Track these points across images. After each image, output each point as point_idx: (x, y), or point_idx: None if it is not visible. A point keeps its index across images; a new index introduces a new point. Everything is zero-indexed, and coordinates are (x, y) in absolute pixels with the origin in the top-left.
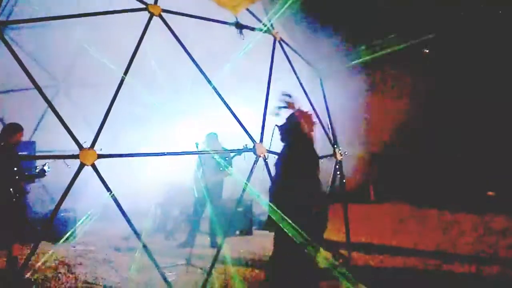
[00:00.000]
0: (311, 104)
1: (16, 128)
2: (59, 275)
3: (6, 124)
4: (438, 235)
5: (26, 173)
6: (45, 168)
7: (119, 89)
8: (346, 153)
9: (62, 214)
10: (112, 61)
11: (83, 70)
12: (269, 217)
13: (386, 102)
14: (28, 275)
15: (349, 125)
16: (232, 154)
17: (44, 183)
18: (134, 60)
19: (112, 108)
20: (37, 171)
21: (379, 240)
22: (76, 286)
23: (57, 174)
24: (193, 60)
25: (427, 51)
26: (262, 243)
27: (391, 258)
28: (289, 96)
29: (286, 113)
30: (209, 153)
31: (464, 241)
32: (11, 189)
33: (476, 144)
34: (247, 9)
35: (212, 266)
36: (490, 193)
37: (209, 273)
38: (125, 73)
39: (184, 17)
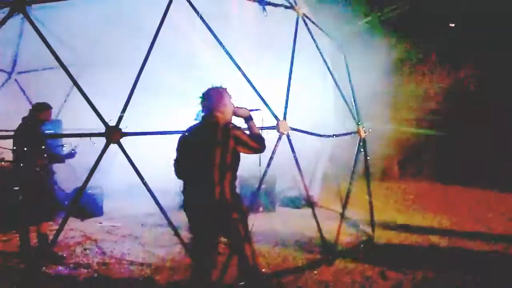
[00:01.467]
0: (335, 81)
1: (44, 107)
2: (87, 250)
3: (35, 103)
4: (463, 213)
5: (55, 153)
6: (75, 150)
7: (143, 67)
8: (370, 130)
9: (89, 191)
10: (136, 39)
11: (108, 49)
12: None
13: (411, 79)
14: (57, 250)
15: (373, 102)
16: None
17: (70, 162)
18: (158, 38)
19: (138, 86)
20: (68, 151)
21: (403, 218)
22: (104, 261)
23: (83, 152)
24: (214, 35)
25: (453, 25)
26: (284, 219)
27: (415, 235)
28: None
29: None
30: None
31: (490, 219)
32: (37, 168)
33: (502, 123)
34: None
35: None
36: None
37: (231, 249)
38: (149, 52)
39: None
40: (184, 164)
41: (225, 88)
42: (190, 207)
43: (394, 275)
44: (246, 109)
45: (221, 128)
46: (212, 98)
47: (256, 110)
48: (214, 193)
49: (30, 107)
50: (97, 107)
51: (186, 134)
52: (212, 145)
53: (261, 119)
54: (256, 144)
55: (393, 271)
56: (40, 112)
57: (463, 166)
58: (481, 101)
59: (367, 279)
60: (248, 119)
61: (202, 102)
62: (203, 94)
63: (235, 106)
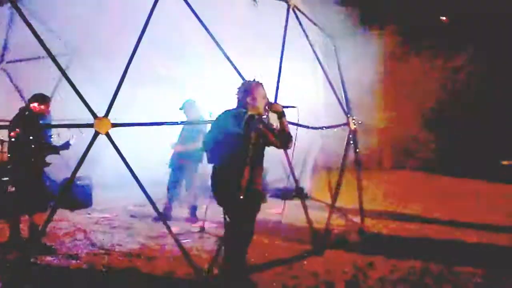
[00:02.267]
0: (325, 72)
1: (43, 98)
2: (76, 241)
3: (34, 94)
4: (452, 203)
5: (51, 145)
6: (71, 141)
7: (133, 57)
8: (360, 122)
9: (78, 182)
10: (127, 28)
11: (97, 39)
12: None
13: (403, 70)
14: (46, 241)
15: (364, 94)
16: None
17: (61, 152)
18: (150, 28)
19: (127, 77)
20: (64, 142)
21: (392, 208)
22: (93, 252)
23: (74, 143)
24: (204, 26)
25: (445, 18)
26: (274, 210)
27: (404, 225)
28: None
29: None
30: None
31: (479, 209)
32: (33, 160)
33: (492, 114)
34: None
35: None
36: (505, 162)
37: (222, 240)
38: (138, 41)
39: None
40: (210, 147)
41: (258, 83)
42: (212, 191)
43: (384, 265)
44: (280, 105)
45: (246, 119)
46: (243, 91)
47: (291, 107)
48: (227, 179)
49: (22, 97)
50: (86, 97)
51: (216, 119)
52: (233, 134)
53: (296, 116)
54: (278, 140)
55: (383, 261)
56: (41, 104)
57: (454, 157)
58: (472, 93)
59: (357, 269)
60: (281, 115)
61: (236, 94)
62: (238, 87)
63: (268, 101)
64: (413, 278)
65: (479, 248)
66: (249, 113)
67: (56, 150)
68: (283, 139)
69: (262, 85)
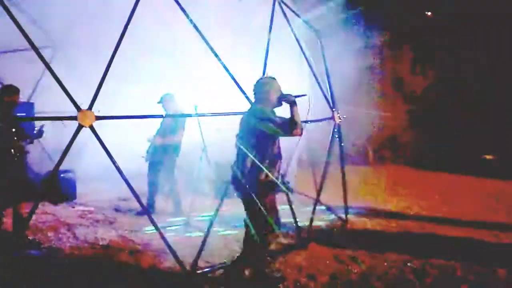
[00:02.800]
0: (310, 66)
1: (10, 90)
2: (60, 235)
3: (3, 85)
4: (435, 198)
5: (24, 132)
6: (43, 128)
7: (117, 49)
8: (345, 116)
9: (62, 175)
10: (113, 21)
11: (81, 32)
12: None
13: (388, 64)
14: (29, 235)
15: (349, 87)
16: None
17: (44, 145)
18: (136, 22)
19: (111, 70)
20: (37, 131)
21: (376, 203)
22: (77, 246)
23: (56, 136)
24: (190, 20)
25: (430, 13)
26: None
27: (388, 220)
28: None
29: None
30: (211, 115)
31: (461, 203)
32: (12, 150)
33: (476, 109)
34: None
35: (210, 227)
36: (488, 156)
37: (207, 234)
38: (122, 34)
39: None
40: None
41: (270, 79)
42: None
43: (367, 259)
44: (291, 95)
45: (253, 112)
46: (256, 88)
47: (302, 96)
48: (237, 170)
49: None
50: (70, 89)
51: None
52: (246, 127)
53: (308, 104)
54: (284, 128)
55: (366, 255)
56: (7, 96)
57: (438, 151)
58: (457, 87)
59: (341, 263)
60: (292, 104)
61: (252, 91)
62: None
63: (281, 93)
64: (396, 272)
65: (461, 242)
66: (262, 107)
67: (30, 137)
68: (289, 126)
69: (276, 80)
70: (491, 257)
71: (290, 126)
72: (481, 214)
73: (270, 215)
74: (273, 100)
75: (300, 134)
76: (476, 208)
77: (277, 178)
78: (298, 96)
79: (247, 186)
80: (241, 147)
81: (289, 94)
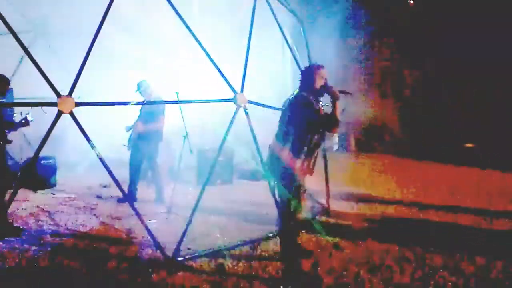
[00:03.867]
0: (293, 54)
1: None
2: (40, 222)
3: None
4: (416, 185)
5: (8, 121)
6: (28, 117)
7: (96, 36)
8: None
9: (42, 162)
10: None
11: (62, 17)
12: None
13: (372, 53)
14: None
15: (332, 76)
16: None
17: (25, 132)
18: (113, 6)
19: (92, 56)
20: (22, 120)
21: (359, 191)
22: (57, 233)
23: (37, 122)
24: (172, 6)
25: (412, 1)
26: (241, 191)
27: (369, 207)
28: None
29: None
30: (193, 102)
31: (440, 190)
32: None
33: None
34: None
35: (192, 214)
36: (468, 145)
37: (189, 222)
38: (103, 19)
39: None
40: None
41: (319, 66)
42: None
43: (348, 246)
44: (337, 90)
45: (298, 98)
46: (302, 74)
47: (348, 93)
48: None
49: None
50: (50, 75)
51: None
52: (289, 112)
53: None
54: (324, 122)
55: (348, 242)
56: None
57: (420, 140)
58: (440, 78)
59: (323, 249)
60: (335, 99)
61: (298, 78)
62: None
63: (326, 83)
64: (377, 258)
65: (441, 229)
66: (305, 95)
67: (14, 126)
68: (330, 122)
69: (323, 68)
70: (471, 244)
71: (331, 123)
72: (462, 201)
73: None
74: (317, 88)
75: (336, 132)
76: (457, 196)
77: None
78: (344, 92)
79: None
80: (282, 130)
81: (333, 87)
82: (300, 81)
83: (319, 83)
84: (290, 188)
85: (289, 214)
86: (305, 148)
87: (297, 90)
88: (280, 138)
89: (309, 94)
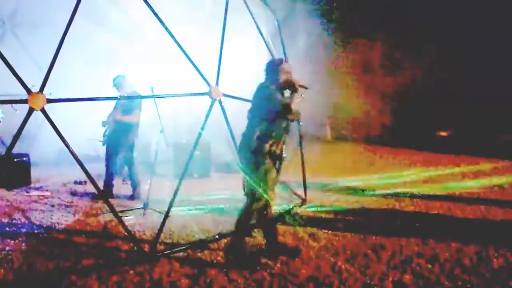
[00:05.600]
0: (268, 47)
1: None
2: (14, 221)
3: None
4: (391, 175)
5: None
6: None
7: (67, 30)
8: (302, 95)
9: (15, 160)
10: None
11: (31, 10)
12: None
13: (349, 44)
14: None
15: (308, 67)
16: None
17: None
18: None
19: (63, 50)
20: None
21: (334, 180)
22: (32, 231)
23: (8, 119)
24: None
25: None
26: (219, 185)
27: (346, 197)
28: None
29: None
30: (168, 96)
31: (416, 178)
32: None
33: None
34: None
35: (169, 208)
36: (442, 133)
37: (166, 216)
38: (73, 13)
39: None
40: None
41: (280, 60)
42: None
43: (325, 236)
44: (295, 83)
45: (261, 89)
46: (266, 67)
47: (305, 87)
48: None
49: None
50: (20, 71)
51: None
52: (254, 103)
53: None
54: (281, 111)
55: (325, 232)
56: None
57: (396, 129)
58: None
59: (299, 240)
60: (293, 91)
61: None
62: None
63: (289, 79)
64: (353, 247)
65: (417, 217)
66: (269, 86)
67: None
68: (286, 111)
69: (286, 62)
70: (446, 230)
71: (284, 109)
72: (437, 189)
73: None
74: (280, 81)
75: (293, 121)
76: (432, 183)
77: (281, 151)
78: (302, 86)
79: (254, 155)
80: (251, 120)
81: (292, 81)
82: (265, 74)
83: (283, 77)
84: (259, 177)
85: (255, 206)
86: (273, 135)
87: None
88: (249, 128)
89: (272, 86)
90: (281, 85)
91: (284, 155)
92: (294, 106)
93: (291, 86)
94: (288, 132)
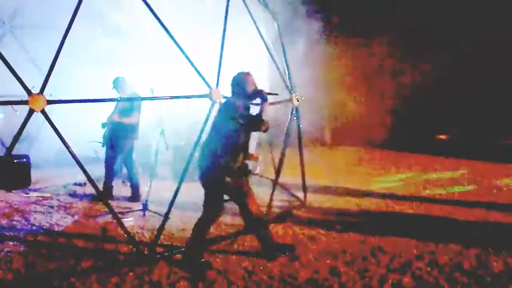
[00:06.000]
0: (268, 49)
1: None
2: (14, 222)
3: None
4: (391, 178)
5: None
6: None
7: (68, 32)
8: (303, 98)
9: (15, 161)
10: (62, 1)
11: (32, 11)
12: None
13: (343, 47)
14: None
15: (306, 70)
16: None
17: None
18: (86, 1)
19: (64, 51)
20: None
21: (335, 183)
22: (31, 233)
23: (9, 120)
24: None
25: None
26: None
27: (345, 199)
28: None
29: None
30: (168, 98)
31: (415, 182)
32: None
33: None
34: None
35: (169, 210)
36: (441, 136)
37: (165, 218)
38: (74, 14)
39: None
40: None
41: (245, 73)
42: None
43: (324, 238)
44: (265, 93)
45: (228, 105)
46: (232, 82)
47: (274, 94)
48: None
49: None
50: (21, 72)
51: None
52: (219, 117)
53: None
54: (252, 124)
55: (324, 234)
56: None
57: (395, 133)
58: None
59: (299, 242)
60: (263, 100)
61: (230, 85)
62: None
63: (256, 88)
64: (353, 250)
65: (416, 220)
66: (235, 102)
67: None
68: (256, 122)
69: (250, 74)
70: (446, 233)
71: (257, 123)
72: (437, 192)
73: (245, 197)
74: (248, 94)
75: (265, 131)
76: (431, 186)
77: (242, 165)
78: (270, 93)
79: (215, 170)
80: (214, 134)
81: (262, 90)
82: (232, 87)
83: (248, 88)
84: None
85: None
86: (237, 149)
87: (228, 98)
88: (213, 144)
89: (240, 99)
90: (250, 94)
91: (250, 167)
92: (265, 117)
93: (260, 94)
94: (248, 145)
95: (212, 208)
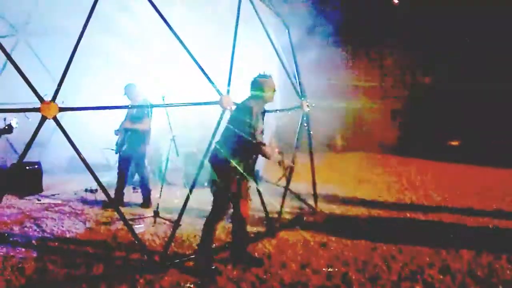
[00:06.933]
0: (278, 55)
1: None
2: (25, 228)
3: None
4: (402, 184)
5: None
6: (13, 124)
7: (80, 40)
8: (313, 105)
9: (28, 168)
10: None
11: (44, 19)
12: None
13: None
14: None
15: (317, 76)
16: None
17: (8, 137)
18: (97, 8)
19: (76, 60)
20: (5, 127)
21: (344, 190)
22: (43, 239)
23: (21, 127)
24: (155, 8)
25: (397, 1)
26: None
27: (356, 207)
28: None
29: None
30: (178, 105)
31: (427, 189)
32: None
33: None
34: None
35: (180, 217)
36: (453, 142)
37: (176, 225)
38: (86, 23)
39: None
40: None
41: (265, 77)
42: None
43: (336, 245)
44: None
45: (242, 108)
46: (251, 85)
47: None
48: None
49: None
50: (33, 80)
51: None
52: (233, 117)
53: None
54: (252, 136)
55: (335, 242)
56: None
57: (405, 139)
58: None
59: (310, 250)
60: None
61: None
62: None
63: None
64: (364, 257)
65: (428, 227)
66: (250, 106)
67: None
68: (255, 146)
69: (270, 77)
70: (458, 240)
71: (257, 148)
72: (448, 199)
73: (240, 198)
74: (265, 98)
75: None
76: (443, 192)
77: (251, 169)
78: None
79: (222, 166)
80: (228, 131)
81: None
82: (250, 91)
83: (268, 92)
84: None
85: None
86: (246, 149)
87: (245, 100)
88: (223, 139)
89: (256, 103)
90: (268, 98)
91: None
92: (269, 150)
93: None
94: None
95: (219, 206)
